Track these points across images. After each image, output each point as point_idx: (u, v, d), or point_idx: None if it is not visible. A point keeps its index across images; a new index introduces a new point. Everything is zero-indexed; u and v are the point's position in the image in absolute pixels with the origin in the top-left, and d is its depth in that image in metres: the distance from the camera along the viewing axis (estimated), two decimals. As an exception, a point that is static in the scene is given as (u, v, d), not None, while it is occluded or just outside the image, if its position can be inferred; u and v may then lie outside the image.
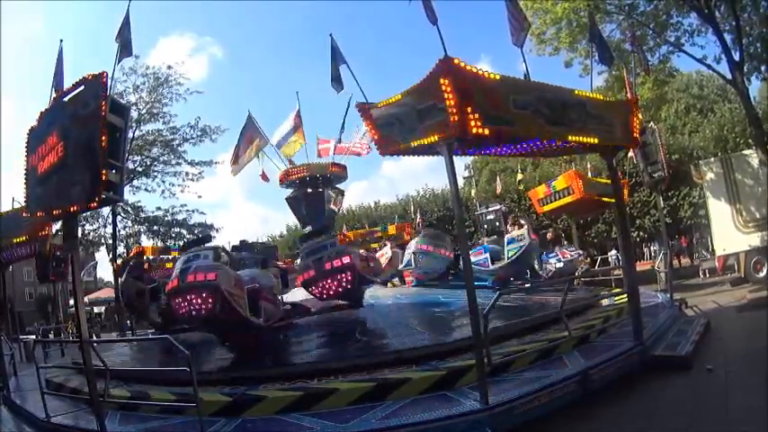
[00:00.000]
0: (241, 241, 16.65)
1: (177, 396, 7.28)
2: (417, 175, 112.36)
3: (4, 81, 66.90)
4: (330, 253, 11.30)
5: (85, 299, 29.12)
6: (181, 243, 30.01)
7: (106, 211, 29.12)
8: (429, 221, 36.48)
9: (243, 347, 10.06)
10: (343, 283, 11.19)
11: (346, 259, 11.16)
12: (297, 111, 18.86)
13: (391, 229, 29.77)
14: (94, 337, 16.27)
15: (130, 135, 26.23)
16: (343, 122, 18.60)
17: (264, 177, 19.83)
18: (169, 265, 24.38)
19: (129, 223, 31.75)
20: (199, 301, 8.78)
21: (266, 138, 17.91)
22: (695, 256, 28.25)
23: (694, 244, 30.52)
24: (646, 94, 20.81)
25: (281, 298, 12.29)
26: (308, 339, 10.98)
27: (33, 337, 17.80)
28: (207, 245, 10.87)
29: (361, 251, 14.65)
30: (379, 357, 8.32)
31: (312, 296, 11.96)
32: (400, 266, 19.19)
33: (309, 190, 17.63)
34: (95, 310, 38.66)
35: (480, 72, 6.41)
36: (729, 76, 19.22)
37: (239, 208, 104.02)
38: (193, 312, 8.89)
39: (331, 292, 11.42)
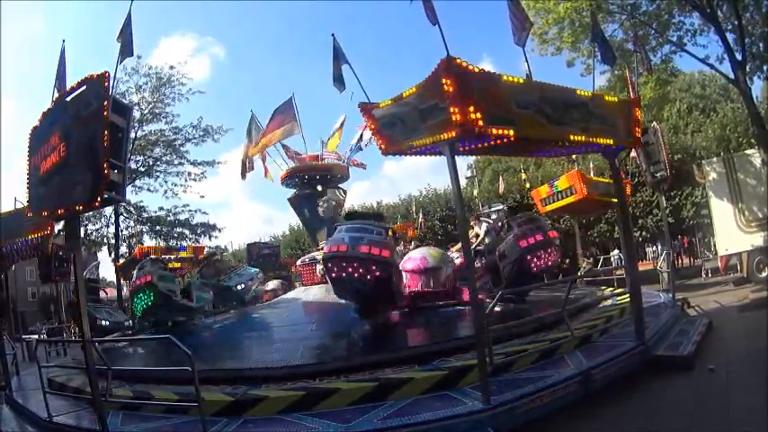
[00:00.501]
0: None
1: (179, 396, 7.29)
2: (419, 176, 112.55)
3: (4, 81, 67.00)
4: (546, 224, 11.78)
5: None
6: (183, 243, 30.12)
7: (109, 210, 29.30)
8: (431, 221, 36.51)
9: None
10: (552, 257, 11.29)
11: (554, 234, 11.71)
12: (345, 116, 19.84)
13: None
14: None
15: (133, 135, 26.31)
16: (361, 135, 18.69)
17: (266, 173, 19.81)
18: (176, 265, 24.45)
19: (132, 223, 31.92)
20: (364, 272, 9.70)
21: (300, 126, 18.03)
22: (698, 255, 28.20)
23: (694, 244, 30.50)
24: (648, 94, 20.80)
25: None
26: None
27: (36, 336, 17.85)
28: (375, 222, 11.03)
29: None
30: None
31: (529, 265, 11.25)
32: None
33: (319, 188, 17.70)
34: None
35: (483, 72, 6.41)
36: (732, 76, 19.22)
37: (242, 208, 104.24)
38: (354, 281, 9.86)
39: (549, 263, 11.25)
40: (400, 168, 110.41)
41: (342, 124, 19.83)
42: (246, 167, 19.77)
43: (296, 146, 19.27)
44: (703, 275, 22.98)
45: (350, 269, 9.78)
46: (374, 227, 10.26)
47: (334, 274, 10.17)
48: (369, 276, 9.72)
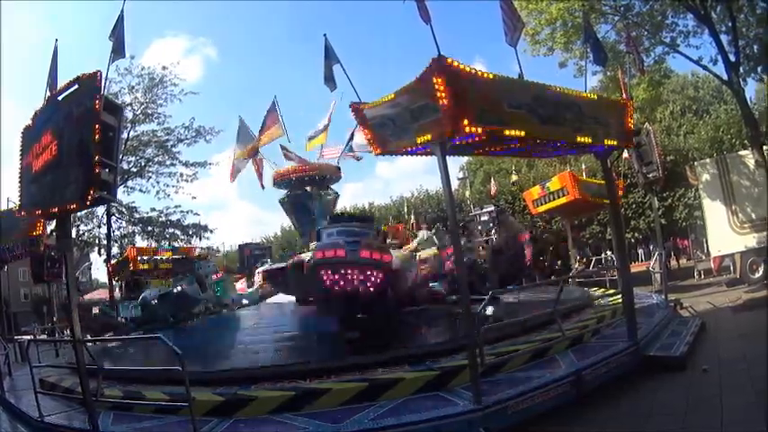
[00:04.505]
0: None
1: (170, 396, 7.26)
2: (412, 177, 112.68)
3: (5, 81, 66.57)
4: None
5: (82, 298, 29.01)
6: (175, 244, 30.05)
7: (101, 211, 29.19)
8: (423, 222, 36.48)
9: None
10: None
11: None
12: (331, 113, 19.70)
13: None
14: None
15: (125, 135, 26.23)
16: (352, 134, 18.68)
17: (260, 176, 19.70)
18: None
19: (124, 224, 31.75)
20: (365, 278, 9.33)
21: (284, 129, 18.17)
22: (691, 256, 28.27)
23: (681, 249, 30.63)
24: (641, 95, 20.80)
25: None
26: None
27: (28, 337, 17.72)
28: None
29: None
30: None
31: None
32: None
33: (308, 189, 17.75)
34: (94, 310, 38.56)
35: (474, 71, 6.41)
36: (725, 77, 19.25)
37: (234, 209, 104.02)
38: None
39: None
40: (393, 169, 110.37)
41: (326, 126, 19.70)
42: (235, 170, 19.76)
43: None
44: (696, 277, 23.00)
45: (348, 276, 9.16)
46: (365, 229, 9.96)
47: (328, 281, 9.47)
48: (368, 283, 9.14)
